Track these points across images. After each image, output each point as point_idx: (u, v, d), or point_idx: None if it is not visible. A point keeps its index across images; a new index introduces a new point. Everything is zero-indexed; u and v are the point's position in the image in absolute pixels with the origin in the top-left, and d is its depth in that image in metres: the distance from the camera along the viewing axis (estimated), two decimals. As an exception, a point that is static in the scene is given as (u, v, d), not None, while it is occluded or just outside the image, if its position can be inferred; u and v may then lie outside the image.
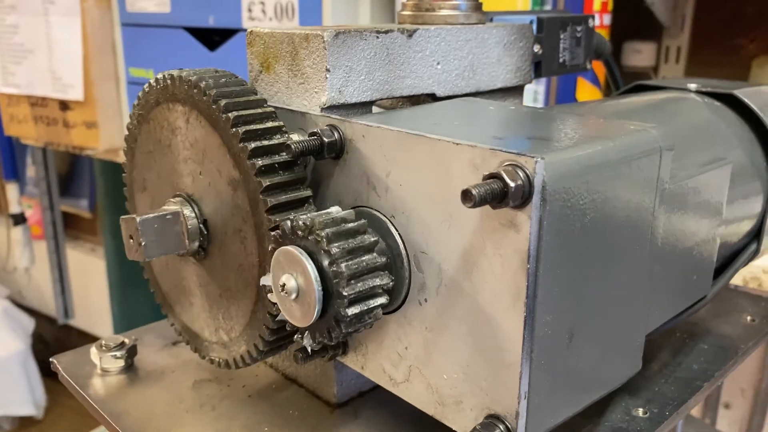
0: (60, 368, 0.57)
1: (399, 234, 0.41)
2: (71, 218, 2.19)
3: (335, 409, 0.52)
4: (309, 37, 0.45)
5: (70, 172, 2.15)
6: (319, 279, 0.38)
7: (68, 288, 2.06)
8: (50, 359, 0.58)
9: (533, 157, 0.33)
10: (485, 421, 0.38)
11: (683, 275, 0.50)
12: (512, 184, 0.33)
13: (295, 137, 0.45)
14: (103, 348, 0.57)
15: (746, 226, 0.56)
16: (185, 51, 1.25)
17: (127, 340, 0.58)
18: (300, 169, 0.44)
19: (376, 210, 0.42)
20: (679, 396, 0.53)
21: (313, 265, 0.38)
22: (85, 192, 2.11)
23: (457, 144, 0.36)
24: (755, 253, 0.57)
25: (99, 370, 0.57)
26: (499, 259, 0.36)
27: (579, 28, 0.66)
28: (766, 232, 0.57)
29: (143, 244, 0.46)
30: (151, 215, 0.46)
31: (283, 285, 0.40)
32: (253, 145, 0.43)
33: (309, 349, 0.43)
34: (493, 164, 0.35)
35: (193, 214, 0.48)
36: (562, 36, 0.65)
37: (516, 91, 0.60)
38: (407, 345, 0.43)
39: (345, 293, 0.38)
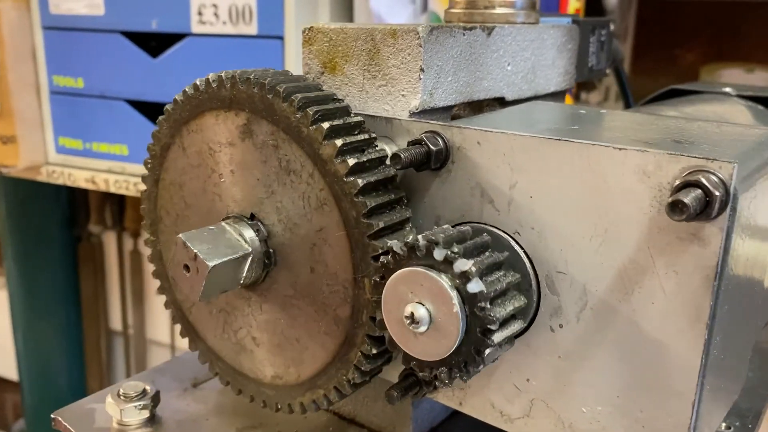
0: (67, 425, 0.48)
1: (525, 252, 0.37)
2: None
3: (410, 450, 0.46)
4: (397, 33, 0.40)
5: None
6: (461, 302, 0.33)
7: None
8: (51, 416, 0.49)
9: (730, 162, 0.30)
10: (648, 458, 0.34)
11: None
12: (717, 194, 0.29)
13: (387, 148, 0.39)
14: (123, 397, 0.48)
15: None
16: (122, 57, 1.14)
17: (148, 387, 0.49)
18: (398, 186, 0.39)
19: (492, 226, 0.38)
20: (752, 407, 0.52)
21: (452, 286, 0.33)
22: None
23: (620, 149, 0.32)
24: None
25: (116, 425, 0.48)
26: (673, 277, 0.32)
27: (603, 32, 0.65)
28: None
29: (204, 287, 0.39)
30: (224, 259, 0.39)
31: (411, 315, 0.34)
32: (352, 160, 0.37)
33: (425, 388, 0.37)
34: (673, 171, 0.31)
35: (257, 239, 0.41)
36: (591, 40, 0.62)
37: (561, 96, 0.57)
38: (529, 376, 0.38)
39: (492, 316, 0.33)
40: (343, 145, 0.37)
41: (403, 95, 0.41)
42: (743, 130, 0.38)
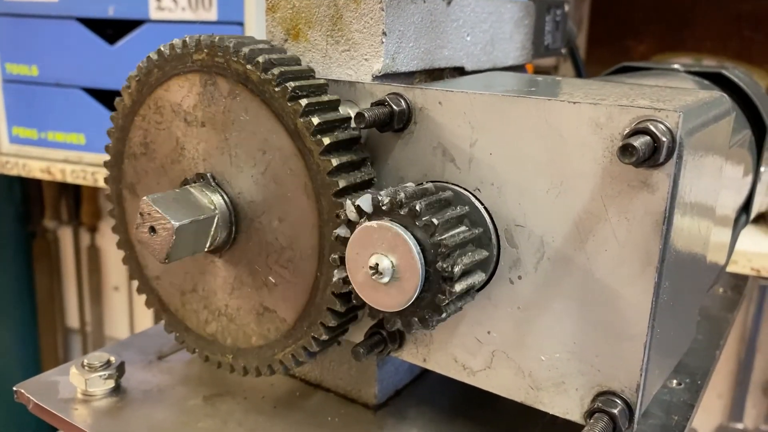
0: (31, 397, 0.48)
1: (485, 208, 0.38)
2: None
3: (377, 411, 0.47)
4: (360, -2, 0.41)
5: None
6: (421, 253, 0.34)
7: None
8: (13, 388, 0.49)
9: (676, 111, 0.31)
10: (604, 398, 0.36)
11: (715, 244, 0.50)
12: (664, 140, 0.31)
13: (348, 110, 0.40)
14: (87, 368, 0.48)
15: (741, 198, 0.59)
16: (78, 44, 1.12)
17: (112, 358, 0.49)
18: (363, 146, 0.40)
19: (453, 184, 0.39)
20: (701, 365, 0.54)
21: (414, 238, 0.34)
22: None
23: (575, 103, 0.34)
24: (745, 224, 0.60)
25: (80, 395, 0.48)
26: (625, 223, 0.34)
27: (558, 12, 0.67)
28: (754, 204, 0.60)
29: (171, 247, 0.39)
30: (190, 219, 0.39)
31: (375, 266, 0.35)
32: (317, 119, 0.38)
33: (389, 345, 0.39)
34: (623, 121, 0.33)
35: (224, 203, 0.42)
36: (547, 19, 0.64)
37: (518, 70, 0.59)
38: (490, 329, 0.39)
39: (451, 268, 0.34)
40: (309, 104, 0.38)
41: (365, 59, 0.42)
42: (690, 91, 0.40)
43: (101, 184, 1.14)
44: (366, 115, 0.37)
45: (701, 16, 1.34)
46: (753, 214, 0.61)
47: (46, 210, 1.66)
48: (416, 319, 0.36)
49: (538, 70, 1.38)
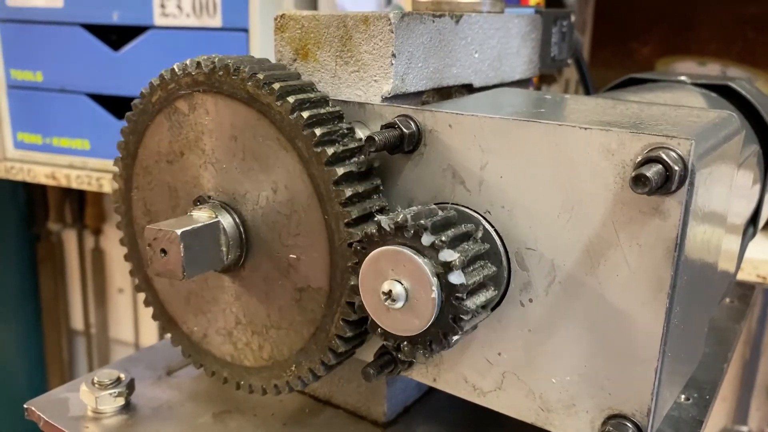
0: (42, 415, 0.48)
1: (495, 230, 0.38)
2: None
3: (386, 429, 0.47)
4: (369, 20, 0.41)
5: None
6: (440, 289, 0.34)
7: None
8: (24, 406, 0.49)
9: (688, 139, 0.31)
10: (615, 422, 0.36)
11: (724, 258, 0.50)
12: (676, 168, 0.31)
13: (360, 132, 0.40)
14: (97, 385, 0.48)
15: (749, 209, 0.59)
16: (83, 51, 1.12)
17: (122, 375, 0.50)
18: (375, 173, 0.40)
19: (463, 206, 0.39)
20: (709, 379, 0.54)
21: (425, 261, 0.34)
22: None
23: (586, 129, 0.34)
24: (752, 236, 0.60)
25: (90, 413, 0.48)
26: (636, 249, 0.34)
27: (564, 23, 0.67)
28: (762, 216, 0.60)
29: (183, 259, 0.39)
30: (191, 227, 0.40)
31: (389, 292, 0.35)
32: (331, 150, 0.38)
33: (399, 366, 0.39)
34: (635, 148, 0.33)
35: (232, 222, 0.42)
36: (553, 30, 0.64)
37: (525, 84, 0.59)
38: (501, 350, 0.40)
39: (467, 307, 0.34)
40: (324, 133, 0.38)
41: (375, 80, 0.42)
42: (699, 112, 0.40)
43: (106, 189, 1.14)
44: (377, 138, 0.37)
45: (705, 18, 1.33)
46: (760, 226, 0.61)
47: (51, 213, 1.67)
48: (433, 341, 0.36)
49: (541, 76, 1.38)
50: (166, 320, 0.49)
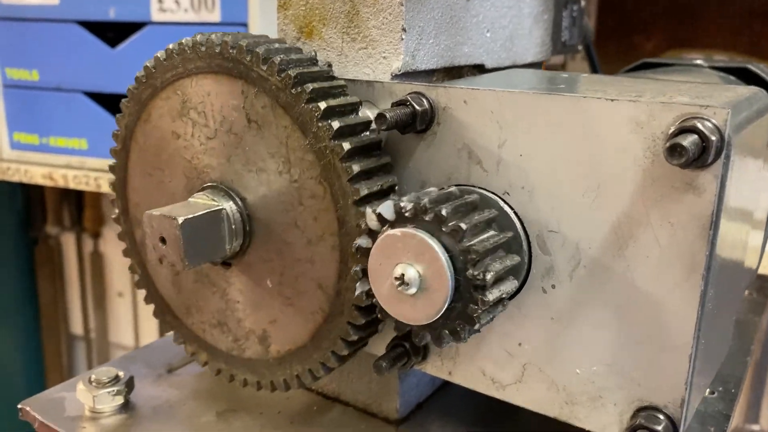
0: (36, 415, 0.45)
1: (515, 212, 0.36)
2: None
3: (398, 426, 0.45)
4: (377, -7, 0.39)
5: None
6: (450, 260, 0.32)
7: None
8: (18, 406, 0.47)
9: (724, 108, 0.29)
10: (646, 414, 0.34)
11: (750, 247, 0.48)
12: (713, 138, 0.29)
13: (368, 111, 0.38)
14: (95, 384, 0.46)
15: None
16: (79, 48, 1.10)
17: (121, 373, 0.47)
18: (384, 150, 0.38)
19: (480, 188, 0.37)
20: (734, 372, 0.52)
21: (441, 245, 0.32)
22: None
23: (613, 100, 0.32)
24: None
25: (88, 412, 0.46)
26: (668, 228, 0.32)
27: (575, 8, 0.65)
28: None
29: (184, 244, 0.37)
30: (194, 214, 0.37)
31: (401, 277, 0.33)
32: (337, 123, 0.35)
33: (413, 358, 0.36)
34: (667, 119, 0.30)
35: (236, 209, 0.40)
36: (564, 14, 0.62)
37: (537, 67, 0.57)
38: (521, 341, 0.37)
39: (483, 275, 0.32)
40: (328, 108, 0.36)
41: (384, 57, 0.39)
42: (729, 86, 0.38)
43: (104, 189, 1.12)
44: (387, 116, 0.35)
45: (711, 11, 1.31)
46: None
47: (48, 216, 1.64)
48: (447, 332, 0.33)
49: (547, 68, 1.36)
50: (167, 316, 0.46)
